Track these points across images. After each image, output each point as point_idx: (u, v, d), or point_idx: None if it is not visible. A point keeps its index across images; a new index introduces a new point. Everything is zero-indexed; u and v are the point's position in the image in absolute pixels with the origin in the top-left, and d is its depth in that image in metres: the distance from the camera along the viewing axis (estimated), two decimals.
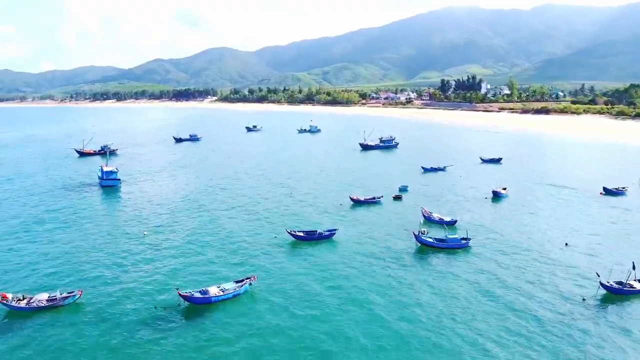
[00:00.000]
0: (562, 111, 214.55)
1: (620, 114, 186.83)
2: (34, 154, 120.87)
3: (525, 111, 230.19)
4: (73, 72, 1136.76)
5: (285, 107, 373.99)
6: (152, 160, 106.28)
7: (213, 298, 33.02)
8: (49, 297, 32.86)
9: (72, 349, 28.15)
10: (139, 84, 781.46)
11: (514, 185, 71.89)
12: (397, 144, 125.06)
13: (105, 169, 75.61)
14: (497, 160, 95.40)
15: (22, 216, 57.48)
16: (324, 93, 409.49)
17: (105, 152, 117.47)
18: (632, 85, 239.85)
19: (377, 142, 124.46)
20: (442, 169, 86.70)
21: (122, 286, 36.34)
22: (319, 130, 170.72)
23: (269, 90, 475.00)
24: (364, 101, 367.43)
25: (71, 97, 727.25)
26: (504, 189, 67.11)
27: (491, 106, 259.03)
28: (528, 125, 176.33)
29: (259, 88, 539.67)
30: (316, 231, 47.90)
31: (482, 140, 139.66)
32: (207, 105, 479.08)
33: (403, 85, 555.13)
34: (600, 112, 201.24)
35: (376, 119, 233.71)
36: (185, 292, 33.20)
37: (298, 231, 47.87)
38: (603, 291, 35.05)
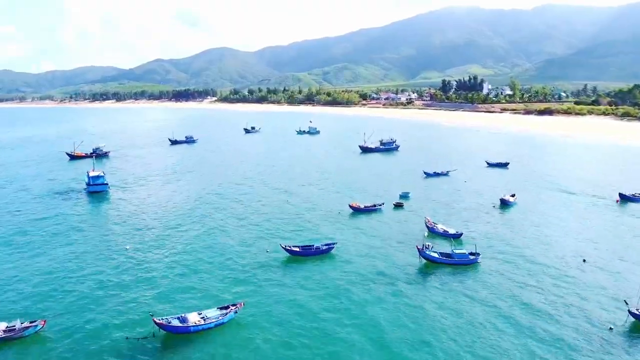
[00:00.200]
0: (566, 112, 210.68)
1: (626, 115, 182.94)
2: (26, 156, 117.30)
3: (528, 112, 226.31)
4: (73, 72, 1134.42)
5: (285, 108, 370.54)
6: (144, 163, 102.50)
7: (192, 327, 29.28)
8: (7, 327, 29.15)
9: None
10: (139, 84, 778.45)
11: (523, 191, 68.07)
12: (398, 146, 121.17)
13: (92, 173, 71.91)
14: (503, 165, 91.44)
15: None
16: (324, 93, 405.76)
17: (97, 155, 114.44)
18: (636, 86, 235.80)
19: (378, 144, 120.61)
20: (445, 174, 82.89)
21: (92, 314, 32.44)
22: (318, 132, 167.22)
23: (269, 91, 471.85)
24: (364, 102, 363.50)
25: (71, 97, 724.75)
26: (513, 195, 63.33)
27: (493, 107, 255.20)
28: (532, 127, 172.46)
29: (259, 88, 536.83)
30: (313, 246, 44.08)
31: (486, 142, 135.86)
32: (207, 105, 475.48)
33: (403, 85, 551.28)
34: (604, 113, 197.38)
35: (376, 119, 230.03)
36: (162, 320, 29.50)
37: (293, 246, 44.07)
38: (632, 319, 31.28)
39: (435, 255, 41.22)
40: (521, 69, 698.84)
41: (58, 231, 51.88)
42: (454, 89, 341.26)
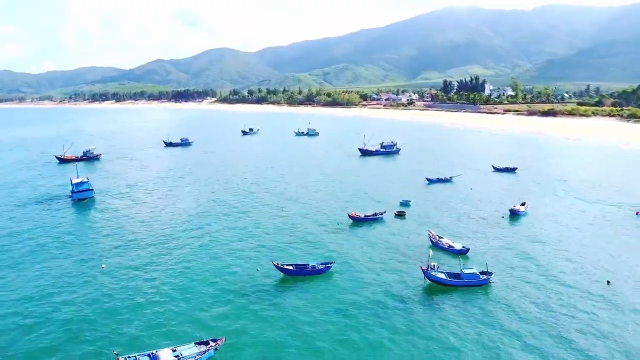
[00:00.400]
0: (570, 113, 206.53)
1: (632, 117, 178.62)
2: (16, 159, 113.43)
3: (531, 113, 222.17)
4: (74, 72, 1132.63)
5: (285, 109, 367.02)
6: (136, 167, 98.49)
7: None
8: None
9: None
10: (139, 85, 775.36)
11: (534, 200, 64.00)
12: (399, 149, 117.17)
13: (75, 180, 67.98)
14: (511, 170, 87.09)
15: None
16: (324, 94, 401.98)
17: (88, 158, 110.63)
18: None
19: (378, 147, 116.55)
20: (449, 180, 78.73)
21: (43, 354, 28.21)
22: (317, 134, 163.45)
23: (269, 91, 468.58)
24: (364, 102, 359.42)
25: (70, 98, 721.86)
26: (523, 204, 59.26)
27: (496, 108, 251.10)
28: (536, 128, 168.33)
29: (259, 89, 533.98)
30: (308, 264, 39.96)
31: (490, 144, 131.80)
32: (206, 106, 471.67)
33: (404, 86, 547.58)
34: (610, 115, 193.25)
35: (377, 121, 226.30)
36: (128, 358, 25.55)
37: (286, 264, 40.05)
38: None
39: (442, 276, 37.21)
40: (522, 70, 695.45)
41: (31, 248, 47.46)
42: (455, 90, 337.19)
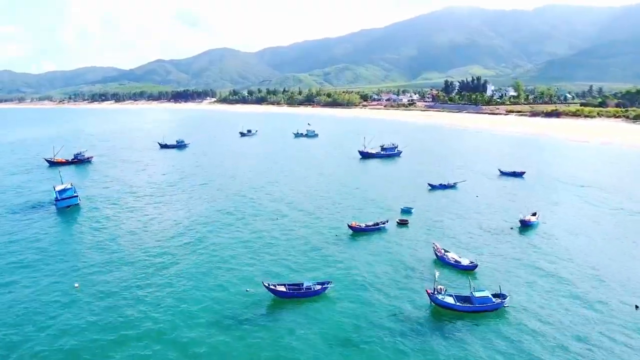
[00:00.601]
0: (574, 114, 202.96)
1: (638, 118, 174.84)
2: (7, 162, 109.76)
3: (534, 114, 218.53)
4: (74, 72, 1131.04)
5: (285, 109, 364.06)
6: (128, 171, 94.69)
7: None
8: None
9: None
10: (139, 85, 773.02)
11: (545, 208, 60.33)
12: (400, 152, 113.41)
13: (58, 187, 64.14)
14: (519, 174, 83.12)
15: None
16: (324, 94, 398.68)
17: (79, 161, 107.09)
18: None
19: (378, 149, 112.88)
20: (453, 186, 74.87)
21: None
22: (316, 135, 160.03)
23: (269, 92, 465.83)
24: (365, 103, 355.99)
25: (69, 98, 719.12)
26: (534, 214, 55.54)
27: (498, 108, 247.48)
28: (540, 129, 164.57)
29: (259, 89, 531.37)
30: (302, 285, 36.25)
31: (494, 146, 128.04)
32: (206, 106, 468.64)
33: (405, 86, 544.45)
34: (615, 116, 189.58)
35: (377, 122, 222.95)
36: None
37: (279, 284, 36.41)
38: None
39: (451, 300, 33.45)
40: (523, 70, 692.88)
41: (11, 262, 43.91)
42: (456, 90, 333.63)
